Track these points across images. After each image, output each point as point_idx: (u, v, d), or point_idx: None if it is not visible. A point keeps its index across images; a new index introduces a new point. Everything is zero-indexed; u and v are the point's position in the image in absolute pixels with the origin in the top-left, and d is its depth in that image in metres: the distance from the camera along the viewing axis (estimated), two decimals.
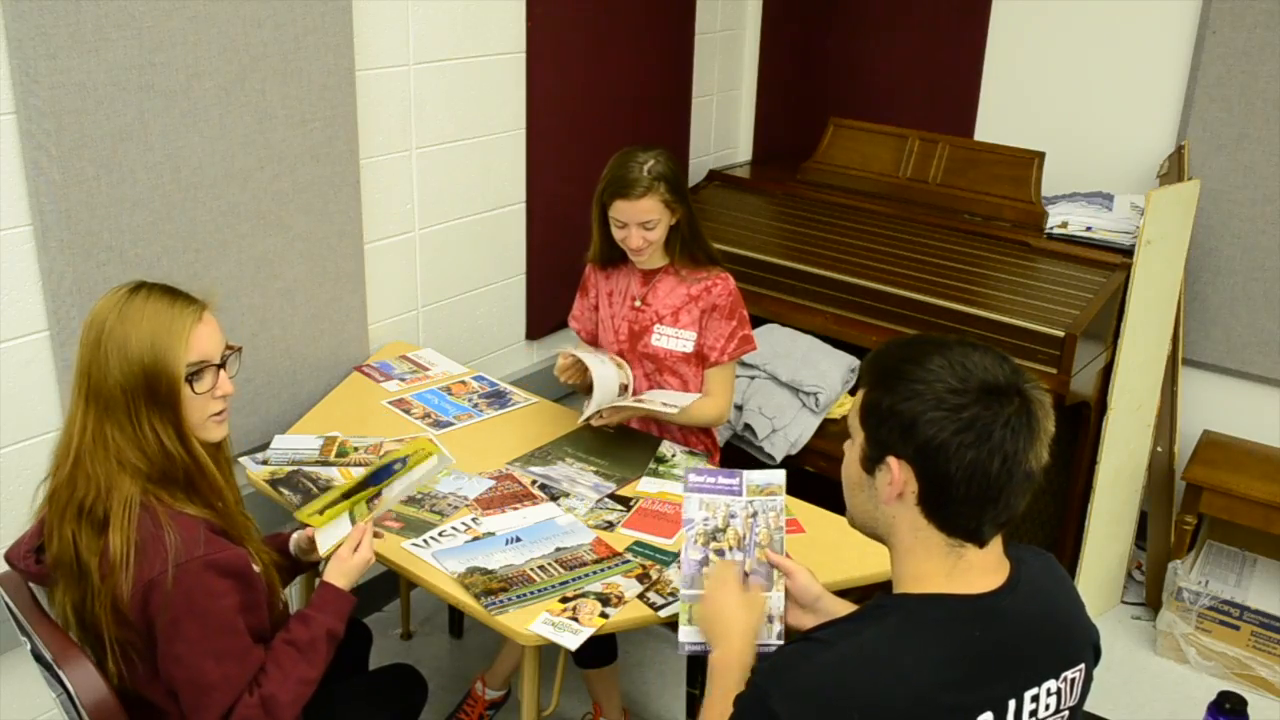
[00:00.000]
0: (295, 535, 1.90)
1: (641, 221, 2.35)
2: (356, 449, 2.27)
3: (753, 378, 3.01)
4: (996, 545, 1.28)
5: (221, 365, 1.62)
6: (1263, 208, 3.02)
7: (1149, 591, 3.19)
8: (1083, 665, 1.32)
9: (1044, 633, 1.28)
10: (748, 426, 2.91)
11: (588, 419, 2.34)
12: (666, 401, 2.37)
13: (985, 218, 3.20)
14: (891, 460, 1.23)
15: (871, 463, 1.27)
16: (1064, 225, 3.06)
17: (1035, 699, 1.25)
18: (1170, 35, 3.11)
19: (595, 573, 1.90)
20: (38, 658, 1.64)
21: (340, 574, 1.74)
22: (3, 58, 1.87)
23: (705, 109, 3.76)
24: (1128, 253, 2.90)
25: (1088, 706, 2.99)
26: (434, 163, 2.79)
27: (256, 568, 1.62)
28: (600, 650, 2.39)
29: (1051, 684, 1.27)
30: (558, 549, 1.97)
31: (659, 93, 3.46)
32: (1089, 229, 3.03)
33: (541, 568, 1.91)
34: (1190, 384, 3.22)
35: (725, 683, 1.41)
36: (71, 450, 1.55)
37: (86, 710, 1.51)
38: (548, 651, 1.84)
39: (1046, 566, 1.37)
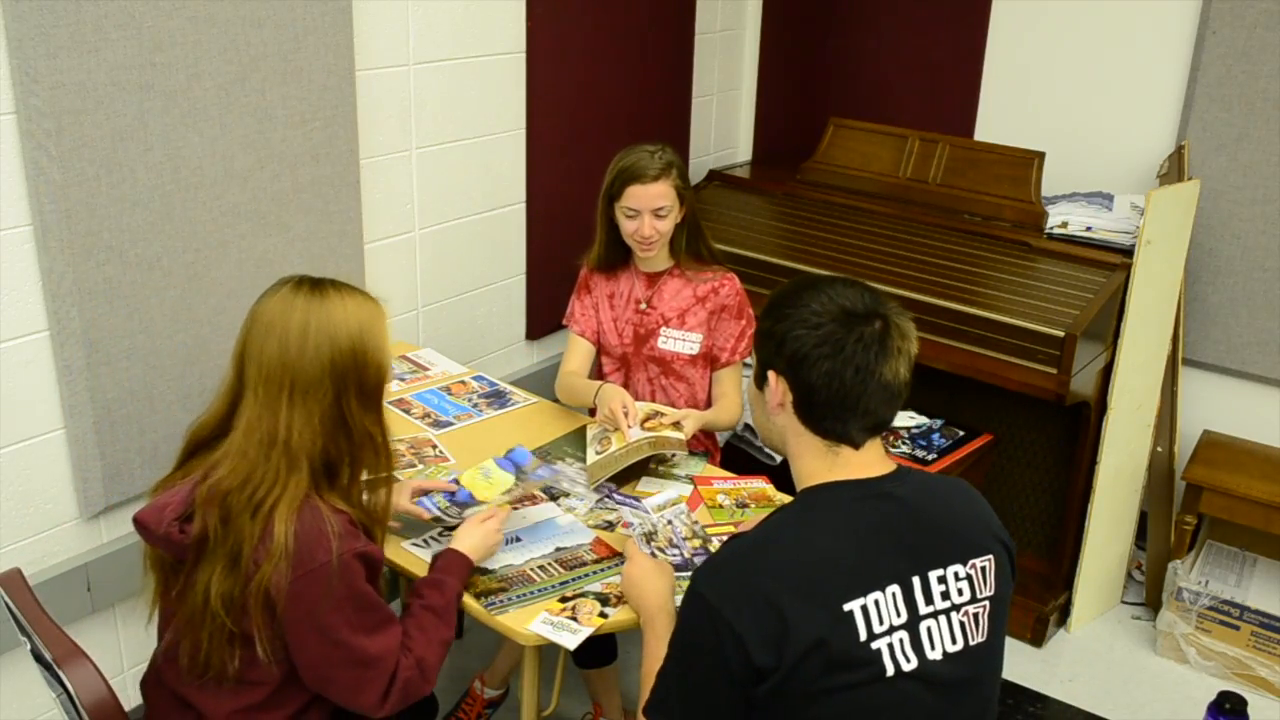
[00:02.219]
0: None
1: (654, 208, 2.35)
2: None
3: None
4: (875, 448, 1.46)
5: None
6: (1263, 208, 3.02)
7: (1149, 591, 3.19)
8: (991, 557, 1.45)
9: (938, 518, 1.45)
10: (747, 426, 2.91)
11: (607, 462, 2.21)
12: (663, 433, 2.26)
13: (985, 218, 3.20)
14: (771, 374, 1.46)
15: (760, 380, 1.51)
16: (1064, 225, 3.06)
17: (943, 580, 1.40)
18: (1170, 35, 3.11)
19: (595, 573, 1.91)
20: (38, 658, 1.64)
21: (465, 537, 1.84)
22: (3, 58, 1.87)
23: (705, 109, 3.76)
24: (1128, 253, 2.89)
25: (1088, 706, 3.01)
26: (434, 163, 2.79)
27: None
28: (600, 650, 2.39)
29: (959, 569, 1.41)
30: (558, 549, 1.97)
31: (659, 93, 3.46)
32: (1089, 229, 3.03)
33: (541, 568, 1.91)
34: (1190, 384, 3.22)
35: (655, 629, 1.64)
36: (278, 443, 1.54)
37: (86, 710, 1.51)
38: (548, 651, 1.84)
39: (950, 478, 1.57)
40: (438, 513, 1.97)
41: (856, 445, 1.44)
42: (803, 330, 1.41)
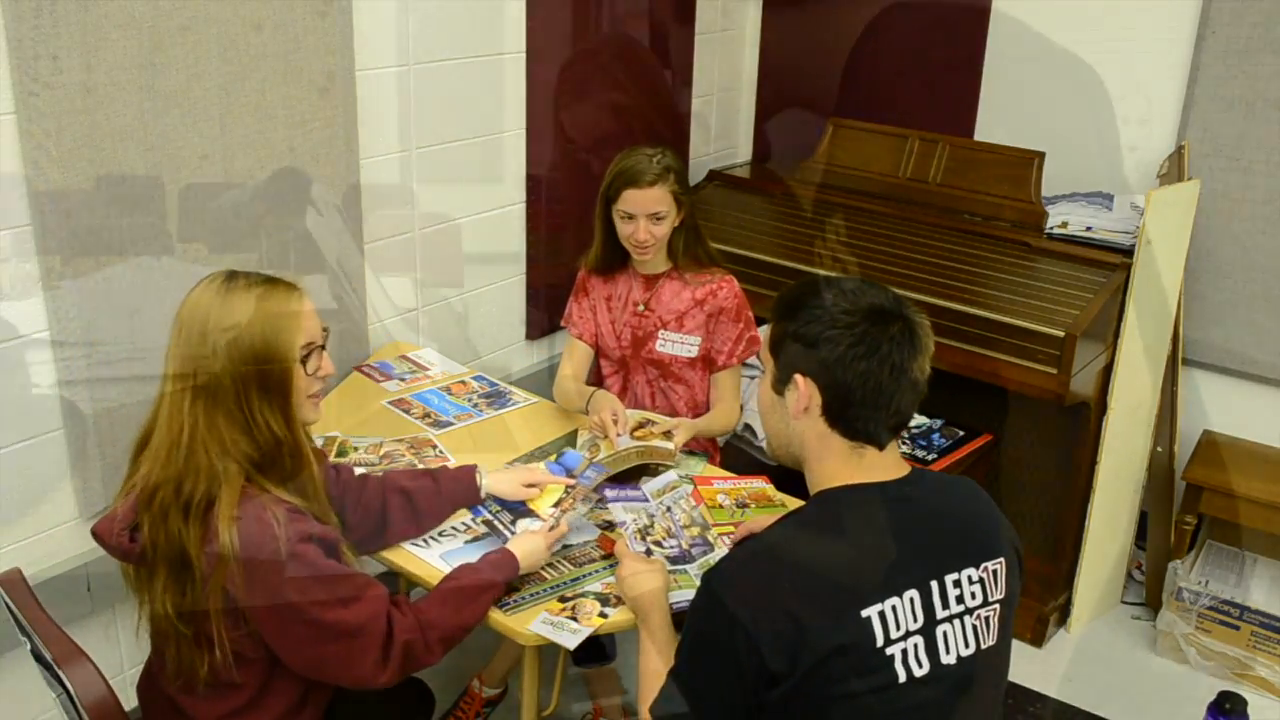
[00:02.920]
0: (503, 478, 2.04)
1: (650, 213, 2.34)
2: (356, 449, 2.27)
3: (752, 378, 3.00)
4: (893, 450, 1.46)
5: (322, 346, 1.65)
6: (1263, 208, 3.02)
7: (1149, 591, 3.19)
8: (1002, 559, 1.45)
9: (952, 520, 1.45)
10: (747, 426, 2.91)
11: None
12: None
13: (985, 218, 3.19)
14: (798, 377, 1.42)
15: (781, 384, 1.46)
16: (1064, 225, 3.06)
17: (958, 584, 1.39)
18: (1170, 35, 3.11)
19: (603, 569, 1.92)
20: (38, 658, 1.64)
21: (521, 543, 1.86)
22: (3, 58, 1.87)
23: (705, 109, 3.76)
24: (1128, 253, 2.89)
25: (1088, 706, 3.00)
26: (434, 163, 2.79)
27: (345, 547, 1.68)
28: (600, 650, 2.39)
29: (972, 573, 1.41)
30: (565, 545, 1.98)
31: (659, 93, 3.46)
32: (1089, 229, 3.03)
33: (551, 565, 1.92)
34: (1190, 384, 3.22)
35: (649, 627, 1.63)
36: (182, 444, 1.53)
37: (86, 710, 1.51)
38: (548, 651, 1.84)
39: (960, 478, 1.57)
40: (488, 515, 2.03)
41: (882, 445, 1.43)
42: (836, 330, 1.39)
